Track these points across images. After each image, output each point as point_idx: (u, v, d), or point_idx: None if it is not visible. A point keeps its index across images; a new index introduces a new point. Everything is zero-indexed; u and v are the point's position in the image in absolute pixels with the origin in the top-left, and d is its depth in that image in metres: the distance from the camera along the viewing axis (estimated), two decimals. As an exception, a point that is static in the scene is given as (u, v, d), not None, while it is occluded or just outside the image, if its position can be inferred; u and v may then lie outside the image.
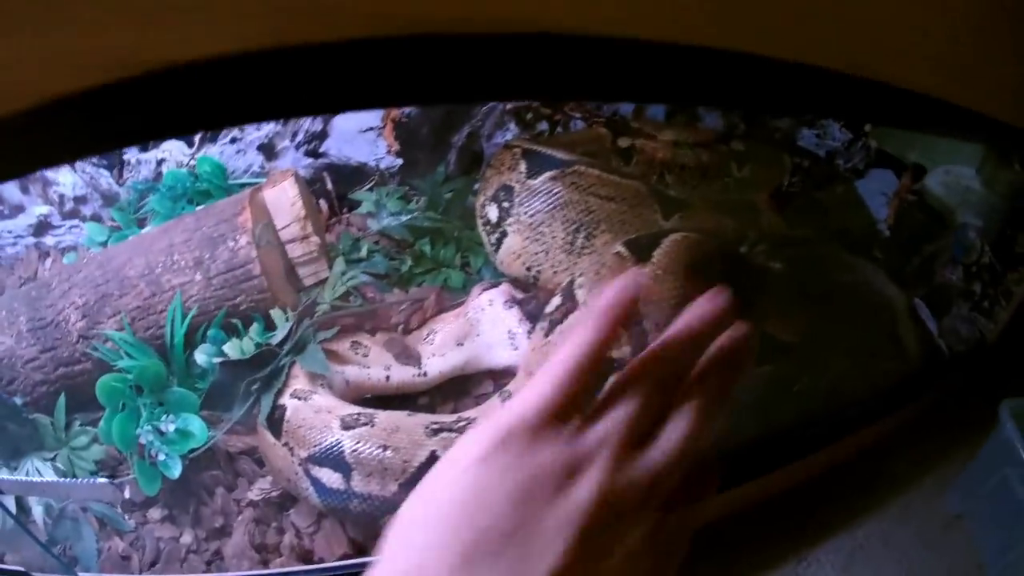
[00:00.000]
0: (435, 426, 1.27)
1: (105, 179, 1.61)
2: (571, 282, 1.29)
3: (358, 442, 1.25)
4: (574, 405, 0.60)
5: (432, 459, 1.21)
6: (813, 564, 1.48)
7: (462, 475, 0.58)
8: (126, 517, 1.36)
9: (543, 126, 1.82)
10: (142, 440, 1.31)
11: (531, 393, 0.60)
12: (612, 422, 0.61)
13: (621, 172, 1.48)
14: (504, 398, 1.30)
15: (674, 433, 0.63)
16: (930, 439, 1.74)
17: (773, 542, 1.51)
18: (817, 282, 1.61)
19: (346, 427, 1.27)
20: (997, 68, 1.13)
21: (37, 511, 1.39)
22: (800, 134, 1.94)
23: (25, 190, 1.60)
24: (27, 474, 1.37)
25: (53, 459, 1.34)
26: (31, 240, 1.62)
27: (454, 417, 1.31)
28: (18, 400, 1.40)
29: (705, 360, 0.67)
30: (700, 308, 0.66)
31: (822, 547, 1.51)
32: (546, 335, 1.26)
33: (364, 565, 1.20)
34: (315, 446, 1.26)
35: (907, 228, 1.81)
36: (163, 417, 1.32)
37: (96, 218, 1.61)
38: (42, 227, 1.62)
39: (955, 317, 1.73)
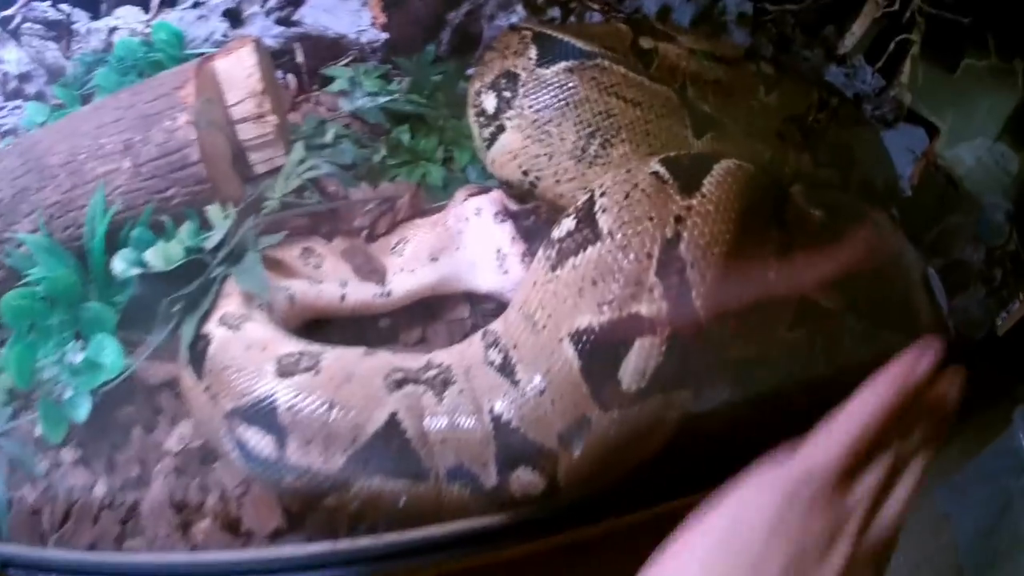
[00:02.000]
0: (398, 375, 0.84)
1: (52, 52, 1.35)
2: (590, 201, 0.87)
3: (297, 395, 0.81)
4: (852, 470, 0.59)
5: (392, 423, 0.80)
6: None
7: (748, 527, 0.56)
8: (39, 459, 0.97)
9: (555, 12, 1.48)
10: (46, 372, 0.93)
11: (818, 451, 0.59)
12: (863, 489, 0.59)
13: (650, 75, 1.10)
14: (489, 342, 0.87)
15: (903, 494, 0.62)
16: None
17: None
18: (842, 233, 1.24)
19: (283, 372, 0.83)
20: None
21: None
22: (828, 70, 1.68)
23: None
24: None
25: None
26: None
27: (423, 362, 0.87)
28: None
29: (924, 413, 0.64)
30: (914, 365, 0.62)
31: None
32: (553, 268, 0.84)
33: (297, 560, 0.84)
34: (243, 396, 0.82)
35: (931, 193, 1.57)
36: (71, 343, 0.95)
37: (40, 96, 1.33)
38: None
39: (969, 298, 1.46)
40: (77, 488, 0.94)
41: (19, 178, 1.01)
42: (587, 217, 0.82)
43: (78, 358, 0.92)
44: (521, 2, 1.41)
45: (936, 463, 1.35)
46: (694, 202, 0.79)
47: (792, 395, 1.01)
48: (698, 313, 0.75)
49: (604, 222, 0.80)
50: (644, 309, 0.74)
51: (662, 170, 0.82)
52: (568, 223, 0.84)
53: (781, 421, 1.01)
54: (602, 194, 0.83)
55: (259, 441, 0.81)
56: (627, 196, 0.80)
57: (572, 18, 1.47)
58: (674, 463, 0.88)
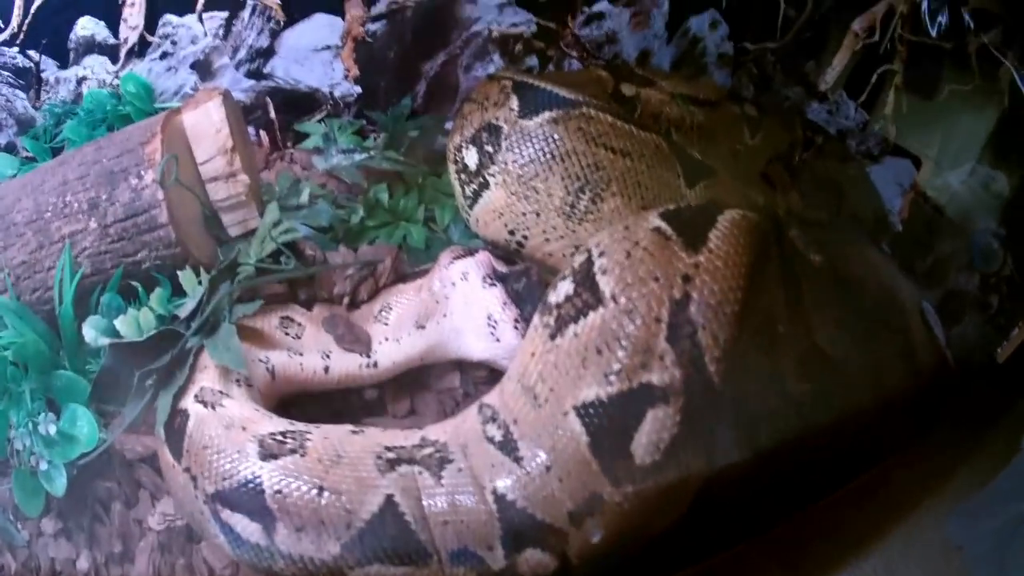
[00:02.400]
0: (391, 454, 0.81)
1: (20, 101, 1.33)
2: (588, 262, 0.83)
3: (284, 479, 0.77)
4: None
5: (389, 506, 0.76)
6: None
7: None
8: (19, 528, 0.95)
9: (533, 61, 1.45)
10: (18, 443, 0.91)
11: None
12: None
13: (637, 122, 1.08)
14: (486, 417, 0.83)
15: None
16: (929, 457, 1.44)
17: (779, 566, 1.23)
18: (839, 275, 1.28)
19: (267, 455, 0.79)
20: None
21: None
22: (809, 107, 1.68)
23: None
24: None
25: None
26: None
27: (416, 439, 0.84)
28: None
29: None
30: None
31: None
32: (552, 336, 0.80)
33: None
34: (225, 479, 0.79)
35: (921, 224, 1.56)
36: (43, 413, 0.92)
37: (10, 147, 1.33)
38: None
39: (967, 327, 1.45)
40: (60, 560, 0.92)
41: None
42: (586, 279, 0.79)
43: (51, 429, 0.91)
44: (498, 51, 1.38)
45: (945, 492, 1.33)
46: (701, 259, 0.77)
47: (797, 447, 1.01)
48: (712, 378, 0.72)
49: (605, 285, 0.77)
50: (656, 378, 0.72)
51: (664, 225, 0.80)
52: (566, 287, 0.80)
53: (789, 474, 1.04)
54: (600, 253, 0.80)
55: (246, 527, 0.78)
56: (628, 255, 0.78)
57: (550, 66, 1.46)
58: (689, 531, 0.86)
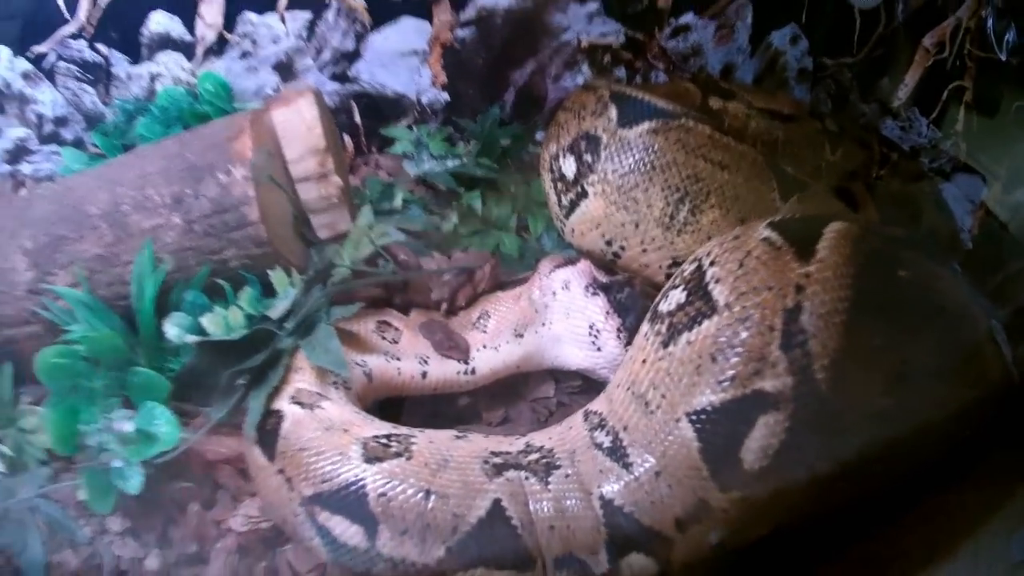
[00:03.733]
0: (497, 459, 0.82)
1: (89, 96, 1.33)
2: (699, 271, 0.85)
3: (389, 482, 0.78)
4: None
5: (497, 510, 0.77)
6: None
7: None
8: (81, 524, 0.93)
9: (620, 72, 1.47)
10: (90, 439, 0.89)
11: None
12: None
13: (735, 134, 1.10)
14: (594, 424, 0.85)
15: None
16: (994, 477, 1.41)
17: None
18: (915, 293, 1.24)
19: (371, 458, 0.79)
20: None
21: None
22: (884, 124, 1.72)
23: (0, 109, 1.32)
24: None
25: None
26: (6, 168, 1.34)
27: (521, 445, 0.85)
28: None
29: None
30: None
31: None
32: (664, 344, 0.81)
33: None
34: (324, 482, 0.79)
35: (992, 243, 1.60)
36: (117, 409, 0.91)
37: (78, 143, 1.33)
38: (18, 153, 1.34)
39: None
40: (125, 559, 0.92)
41: (54, 224, 0.99)
42: (698, 288, 0.81)
43: (127, 426, 0.89)
44: (587, 61, 1.40)
45: (1011, 511, 1.32)
46: (812, 268, 0.79)
47: (877, 464, 1.01)
48: (821, 387, 0.74)
49: (719, 293, 0.79)
50: (768, 385, 0.74)
51: (774, 235, 0.82)
52: (677, 295, 0.82)
53: (870, 491, 1.03)
54: (712, 263, 0.82)
55: (345, 530, 0.78)
56: (741, 264, 0.80)
57: (637, 78, 1.48)
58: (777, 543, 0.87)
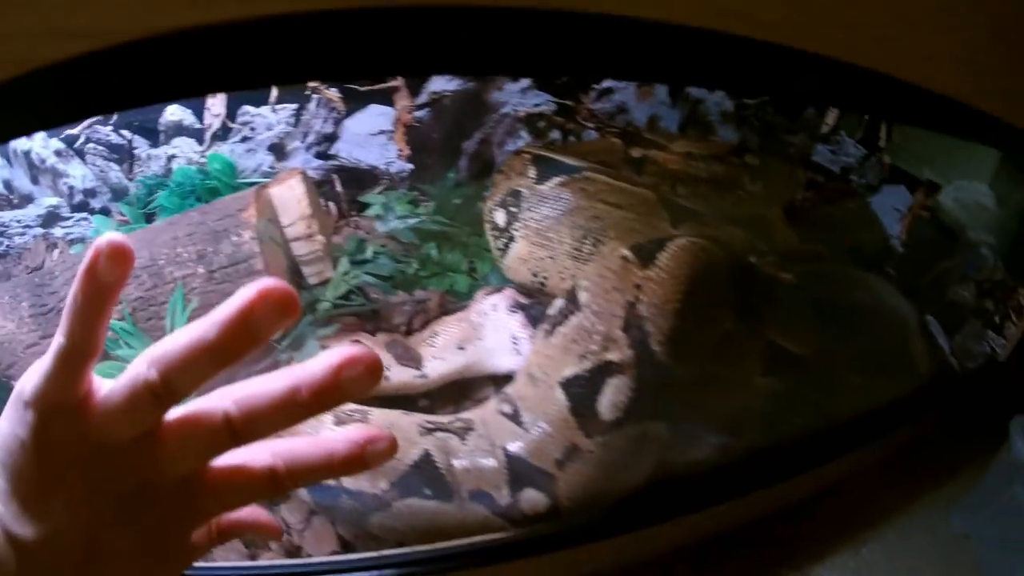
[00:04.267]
0: (430, 424, 1.25)
1: (115, 172, 1.67)
2: (574, 286, 1.26)
3: None
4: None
5: (425, 458, 1.19)
6: None
7: None
8: None
9: (555, 135, 1.87)
10: None
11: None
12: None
13: (631, 180, 1.48)
14: (501, 399, 1.28)
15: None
16: (937, 458, 1.71)
17: (773, 558, 1.47)
18: (829, 298, 1.54)
19: (339, 423, 1.24)
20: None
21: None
22: (815, 150, 2.00)
23: (35, 180, 1.64)
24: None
25: None
26: (39, 231, 1.65)
27: (450, 417, 1.29)
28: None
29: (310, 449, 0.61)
30: (321, 377, 0.54)
31: (824, 564, 1.46)
32: (547, 336, 1.23)
33: (351, 563, 1.19)
34: None
35: (920, 244, 1.82)
36: None
37: (105, 211, 1.67)
38: (51, 218, 1.65)
39: (967, 335, 1.69)
40: None
41: None
42: (571, 296, 1.21)
43: None
44: (525, 128, 1.82)
45: (950, 489, 1.57)
46: (650, 272, 1.11)
47: (793, 441, 1.35)
48: (658, 356, 1.07)
49: (583, 298, 1.15)
50: (614, 356, 1.09)
51: (628, 253, 1.16)
52: (559, 303, 1.22)
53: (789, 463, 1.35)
54: (584, 278, 1.21)
55: None
56: (601, 276, 1.17)
57: (571, 137, 1.86)
58: (672, 492, 1.22)
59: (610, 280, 1.16)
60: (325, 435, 0.60)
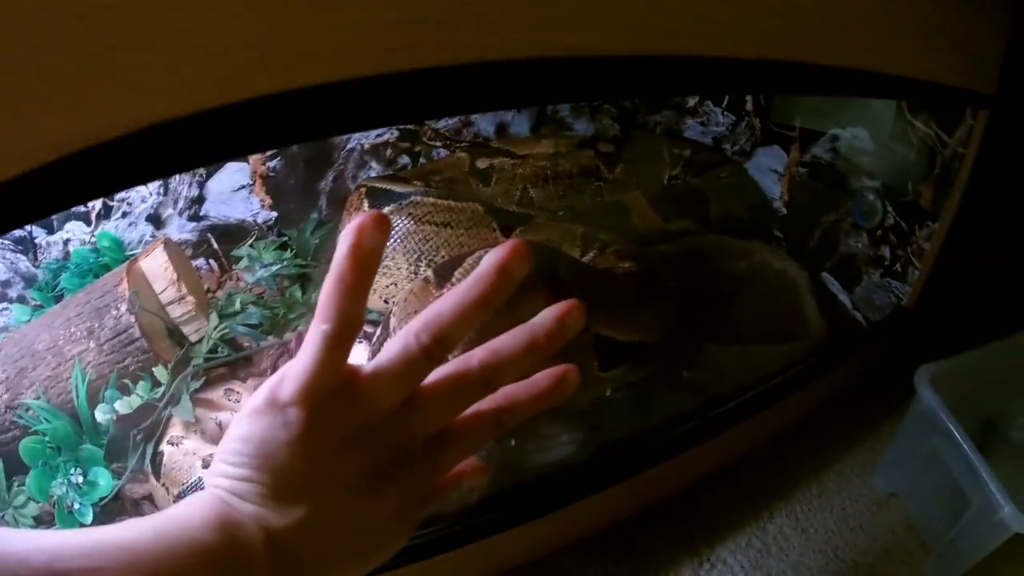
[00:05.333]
0: None
1: (23, 262, 1.97)
2: (389, 310, 1.59)
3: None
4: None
5: None
6: (717, 565, 1.60)
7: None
8: None
9: (404, 160, 2.21)
10: (57, 492, 1.64)
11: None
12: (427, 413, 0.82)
13: (457, 196, 1.77)
14: None
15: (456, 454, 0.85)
16: (853, 419, 1.97)
17: (670, 543, 1.66)
18: (700, 274, 1.91)
19: (205, 465, 1.61)
20: (901, 23, 1.39)
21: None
22: (684, 124, 2.33)
23: None
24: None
25: (1, 518, 1.58)
26: None
27: None
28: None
29: (526, 389, 0.84)
30: (550, 324, 0.80)
31: (726, 546, 1.65)
32: (372, 356, 1.45)
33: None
34: (183, 484, 1.62)
35: (803, 202, 2.10)
36: (73, 470, 1.67)
37: (21, 299, 1.96)
38: None
39: (868, 286, 1.93)
40: None
41: (17, 361, 1.67)
42: (385, 321, 1.54)
43: (80, 480, 1.57)
44: (373, 159, 2.15)
45: (868, 448, 1.85)
46: (445, 291, 1.34)
47: (679, 420, 1.57)
48: None
49: (392, 322, 1.44)
50: None
51: (430, 275, 1.43)
52: (378, 329, 1.58)
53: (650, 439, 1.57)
54: (395, 304, 1.56)
55: None
56: (406, 300, 1.44)
57: (422, 159, 2.14)
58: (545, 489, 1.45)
59: (412, 303, 1.42)
60: (529, 379, 0.81)
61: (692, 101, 2.27)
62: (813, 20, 1.22)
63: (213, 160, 1.09)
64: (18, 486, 1.64)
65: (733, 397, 1.67)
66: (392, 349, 0.77)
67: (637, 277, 1.56)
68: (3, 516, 1.60)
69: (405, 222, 1.71)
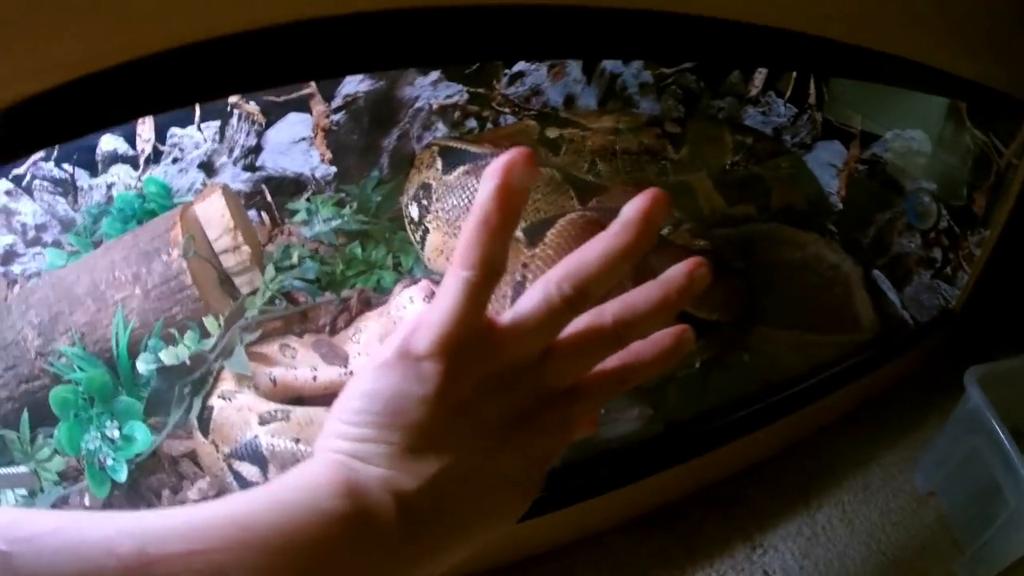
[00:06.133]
0: None
1: (61, 205, 1.82)
2: None
3: (273, 436, 1.39)
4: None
5: None
6: (769, 551, 1.53)
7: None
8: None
9: (472, 123, 2.05)
10: (89, 446, 1.47)
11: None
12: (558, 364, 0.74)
13: (543, 161, 1.68)
14: None
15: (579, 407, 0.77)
16: (898, 416, 1.86)
17: (721, 528, 1.58)
18: (758, 259, 1.77)
19: (262, 422, 1.46)
20: (969, 27, 1.33)
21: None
22: (745, 113, 2.22)
23: None
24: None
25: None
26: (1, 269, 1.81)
27: None
28: (-13, 415, 1.51)
29: (648, 347, 0.77)
30: (681, 279, 0.73)
31: (777, 532, 1.57)
32: None
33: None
34: (235, 442, 1.46)
35: (859, 198, 2.00)
36: (109, 423, 1.49)
37: (57, 244, 1.81)
38: (8, 256, 1.81)
39: (917, 286, 1.84)
40: None
41: (53, 305, 1.54)
42: None
43: (115, 434, 1.43)
44: (440, 120, 2.02)
45: (910, 446, 1.74)
46: (537, 250, 1.29)
47: (733, 405, 1.50)
48: None
49: None
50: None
51: (519, 234, 1.34)
52: None
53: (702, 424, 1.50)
54: None
55: (249, 471, 1.43)
56: None
57: (489, 124, 2.03)
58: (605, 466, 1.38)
59: None
60: (652, 336, 0.76)
61: (755, 90, 2.18)
62: (889, 10, 1.20)
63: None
64: (44, 438, 1.49)
65: (789, 384, 1.59)
66: (533, 299, 0.70)
67: (713, 256, 1.46)
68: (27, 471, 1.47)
69: (480, 183, 1.44)
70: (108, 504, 1.43)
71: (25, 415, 1.47)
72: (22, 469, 1.45)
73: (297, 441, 1.42)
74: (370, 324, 1.69)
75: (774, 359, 1.64)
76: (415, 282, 1.69)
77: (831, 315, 1.79)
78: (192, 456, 1.56)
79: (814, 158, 2.12)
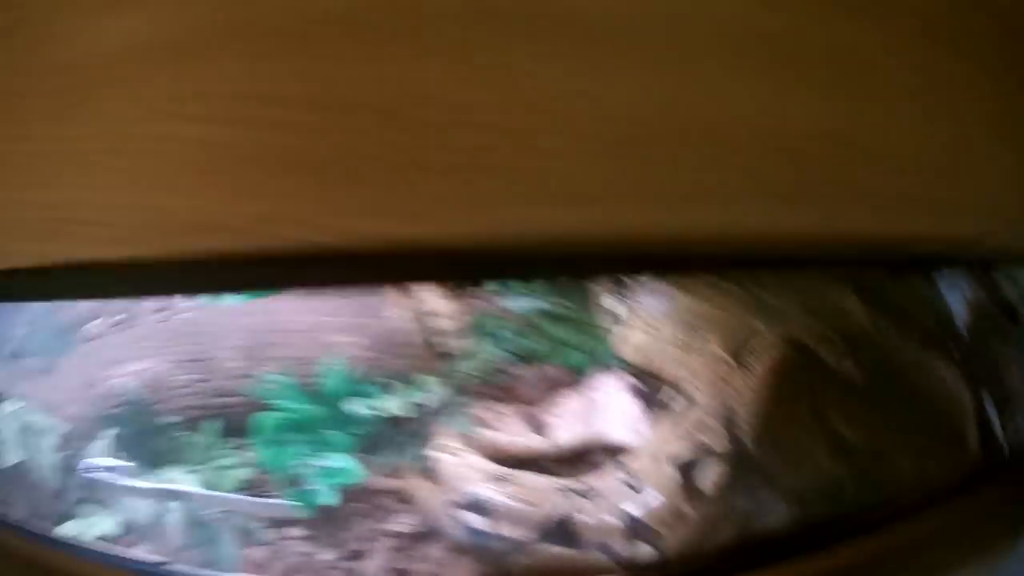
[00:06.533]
0: (562, 486, 1.64)
1: None
2: (681, 377, 1.66)
3: (498, 494, 1.55)
4: None
5: (561, 513, 1.58)
6: None
7: None
8: (267, 531, 1.57)
9: None
10: (300, 469, 1.56)
11: None
12: None
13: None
14: (621, 470, 1.67)
15: None
16: (979, 540, 1.74)
17: None
18: (890, 383, 1.85)
19: (487, 479, 1.64)
20: None
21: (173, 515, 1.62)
22: None
23: None
24: (169, 483, 1.60)
25: (196, 473, 1.58)
26: None
27: (585, 485, 1.66)
28: (166, 418, 1.63)
29: None
30: None
31: None
32: (661, 420, 1.64)
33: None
34: (457, 491, 1.63)
35: (982, 328, 1.90)
36: (318, 452, 1.60)
37: None
38: None
39: (1019, 415, 1.82)
40: (303, 551, 1.52)
41: (264, 334, 1.65)
42: (679, 387, 1.60)
43: (324, 463, 1.55)
44: None
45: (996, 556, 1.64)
46: (744, 372, 1.50)
47: (846, 518, 1.56)
48: (747, 445, 1.45)
49: (688, 389, 1.56)
50: (714, 444, 1.48)
51: (725, 355, 1.56)
52: (668, 391, 1.64)
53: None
54: (687, 372, 1.65)
55: (476, 520, 1.52)
56: (703, 371, 1.57)
57: None
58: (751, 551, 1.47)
59: (709, 377, 1.57)
60: None
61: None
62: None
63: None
64: (230, 448, 1.60)
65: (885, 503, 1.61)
66: None
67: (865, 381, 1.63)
68: (198, 472, 1.58)
69: (679, 290, 1.75)
70: (313, 521, 1.56)
71: (216, 424, 1.60)
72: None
73: (521, 501, 1.59)
74: (571, 404, 1.83)
75: (891, 481, 1.69)
76: (611, 370, 1.83)
77: (941, 436, 1.83)
78: (398, 493, 1.69)
79: (943, 280, 2.00)
